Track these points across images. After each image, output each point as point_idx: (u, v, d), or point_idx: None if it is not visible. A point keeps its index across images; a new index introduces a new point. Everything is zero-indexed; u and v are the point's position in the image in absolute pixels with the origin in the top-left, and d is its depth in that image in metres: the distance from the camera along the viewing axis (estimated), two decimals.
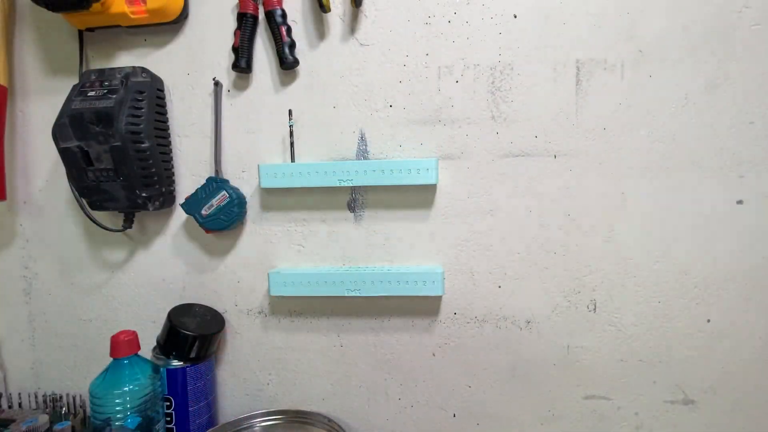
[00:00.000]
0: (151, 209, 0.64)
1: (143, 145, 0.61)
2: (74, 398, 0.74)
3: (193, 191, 0.65)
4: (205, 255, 0.71)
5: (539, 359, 0.67)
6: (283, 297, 0.69)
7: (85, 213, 0.66)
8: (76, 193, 0.65)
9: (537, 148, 0.63)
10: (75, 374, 0.75)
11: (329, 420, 0.66)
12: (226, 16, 0.66)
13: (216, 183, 0.65)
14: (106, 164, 0.61)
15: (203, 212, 0.64)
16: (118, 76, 0.62)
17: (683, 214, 0.62)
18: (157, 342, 0.66)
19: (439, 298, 0.67)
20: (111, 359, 0.59)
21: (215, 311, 0.71)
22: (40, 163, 0.72)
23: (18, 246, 0.74)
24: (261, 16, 0.64)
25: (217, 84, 0.66)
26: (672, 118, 0.61)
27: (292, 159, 0.65)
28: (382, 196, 0.66)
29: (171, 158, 0.68)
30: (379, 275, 0.63)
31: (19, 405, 0.75)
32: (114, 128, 0.59)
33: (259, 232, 0.69)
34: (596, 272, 0.64)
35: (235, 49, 0.64)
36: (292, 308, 0.70)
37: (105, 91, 0.60)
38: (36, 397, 0.75)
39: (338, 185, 0.63)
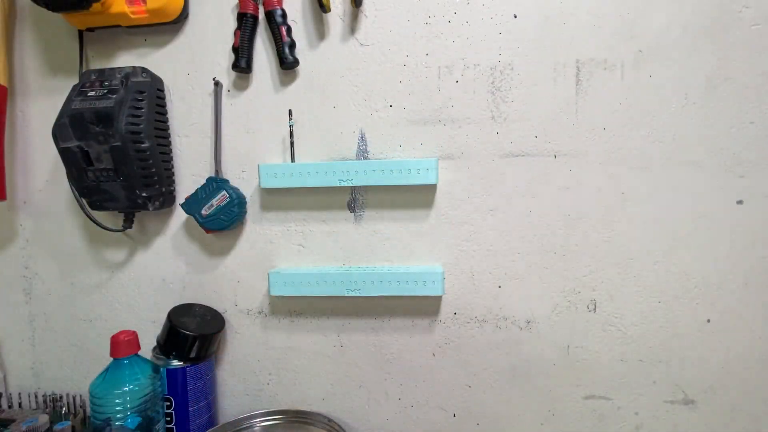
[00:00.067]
0: (151, 209, 0.64)
1: (143, 145, 0.61)
2: (74, 398, 0.74)
3: (193, 191, 0.65)
4: (205, 255, 0.71)
5: (539, 359, 0.67)
6: (283, 297, 0.69)
7: (85, 213, 0.66)
8: (76, 193, 0.65)
9: (537, 148, 0.63)
10: (75, 374, 0.75)
11: (329, 420, 0.66)
12: (226, 16, 0.66)
13: (216, 183, 0.65)
14: (106, 164, 0.61)
15: (203, 212, 0.64)
16: (118, 76, 0.62)
17: (683, 214, 0.62)
18: (157, 342, 0.66)
19: (439, 298, 0.67)
20: (111, 359, 0.59)
21: (215, 311, 0.71)
22: (40, 163, 0.72)
23: (18, 246, 0.74)
24: (261, 16, 0.64)
25: (217, 84, 0.66)
26: (672, 118, 0.61)
27: (292, 159, 0.65)
28: (382, 196, 0.66)
29: (171, 158, 0.68)
30: (379, 275, 0.63)
31: (19, 405, 0.75)
32: (114, 128, 0.59)
33: (259, 232, 0.69)
34: (596, 272, 0.64)
35: (235, 49, 0.64)
36: (292, 308, 0.70)
37: (105, 91, 0.60)
38: (36, 397, 0.75)
39: (338, 185, 0.63)
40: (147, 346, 0.66)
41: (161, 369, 0.63)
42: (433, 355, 0.68)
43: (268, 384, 0.72)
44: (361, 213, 0.67)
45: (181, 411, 0.64)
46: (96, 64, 0.69)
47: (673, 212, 0.62)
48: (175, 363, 0.64)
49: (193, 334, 0.63)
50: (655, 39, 0.60)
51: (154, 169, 0.63)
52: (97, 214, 0.67)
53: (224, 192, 0.64)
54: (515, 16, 0.62)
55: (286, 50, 0.63)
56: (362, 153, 0.66)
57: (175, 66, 0.68)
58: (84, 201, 0.65)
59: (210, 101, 0.68)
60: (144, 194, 0.63)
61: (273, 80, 0.66)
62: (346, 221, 0.67)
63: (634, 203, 0.62)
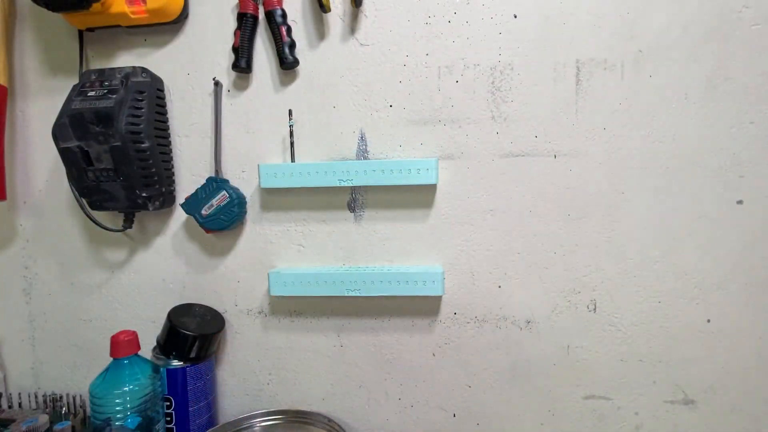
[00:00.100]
0: (151, 209, 0.64)
1: (143, 145, 0.61)
2: (74, 398, 0.74)
3: (193, 191, 0.65)
4: (205, 255, 0.71)
5: (539, 359, 0.67)
6: (283, 297, 0.69)
7: (85, 213, 0.66)
8: (76, 193, 0.65)
9: (537, 148, 0.63)
10: (75, 374, 0.76)
11: (329, 420, 0.66)
12: (226, 16, 0.66)
13: (216, 183, 0.65)
14: (106, 164, 0.61)
15: (203, 212, 0.64)
16: (118, 76, 0.62)
17: (683, 214, 0.62)
18: (157, 342, 0.66)
19: (439, 298, 0.67)
20: (111, 359, 0.59)
21: (215, 311, 0.71)
22: (40, 163, 0.72)
23: (18, 246, 0.74)
24: (261, 16, 0.64)
25: (217, 84, 0.66)
26: (672, 118, 0.61)
27: (292, 159, 0.65)
28: (382, 196, 0.66)
29: (171, 158, 0.68)
30: (379, 275, 0.63)
31: (19, 405, 0.75)
32: (114, 128, 0.59)
33: (259, 232, 0.69)
34: (596, 272, 0.64)
35: (235, 49, 0.64)
36: (292, 308, 0.70)
37: (105, 91, 0.60)
38: (36, 397, 0.75)
39: (338, 185, 0.63)
40: (147, 346, 0.66)
41: (161, 369, 0.63)
42: (433, 355, 0.68)
43: (268, 384, 0.72)
44: (361, 213, 0.67)
45: (181, 411, 0.64)
46: (96, 64, 0.69)
47: (673, 212, 0.62)
48: (175, 363, 0.64)
49: (193, 334, 0.63)
50: (655, 39, 0.60)
51: (154, 169, 0.63)
52: (97, 214, 0.67)
53: (224, 192, 0.64)
54: (515, 16, 0.61)
55: (286, 50, 0.63)
56: (362, 153, 0.66)
57: (175, 66, 0.68)
58: (84, 201, 0.65)
59: (210, 101, 0.68)
60: (144, 194, 0.63)
61: (273, 80, 0.66)
62: (346, 221, 0.67)
63: (634, 203, 0.62)
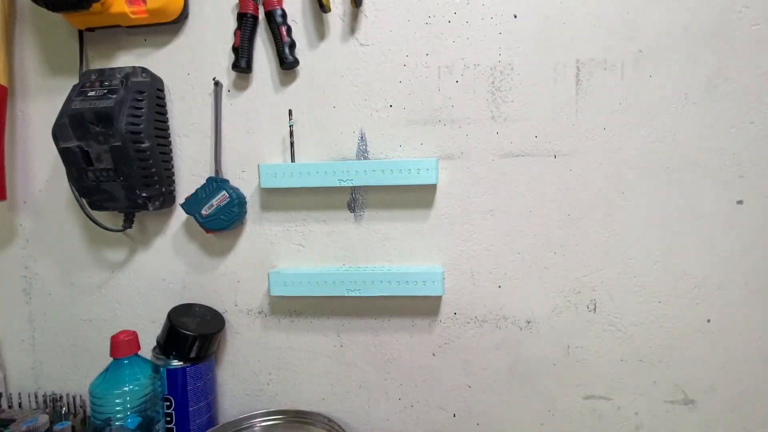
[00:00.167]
0: (151, 209, 0.64)
1: (143, 145, 0.61)
2: (74, 398, 0.74)
3: (193, 191, 0.65)
4: (205, 255, 0.71)
5: (539, 359, 0.67)
6: (283, 297, 0.69)
7: (85, 213, 0.66)
8: (76, 193, 0.65)
9: (537, 148, 0.63)
10: (75, 374, 0.75)
11: (329, 420, 0.66)
12: (226, 16, 0.66)
13: (216, 183, 0.65)
14: (106, 164, 0.61)
15: (203, 212, 0.64)
16: (118, 76, 0.62)
17: (683, 214, 0.62)
18: (157, 342, 0.66)
19: (439, 298, 0.67)
20: (111, 359, 0.59)
21: (215, 311, 0.71)
22: (40, 163, 0.72)
23: (18, 246, 0.74)
24: (261, 16, 0.64)
25: (217, 84, 0.66)
26: (672, 118, 0.61)
27: (292, 159, 0.65)
28: (382, 196, 0.66)
29: (171, 158, 0.68)
30: (379, 275, 0.63)
31: (19, 405, 0.75)
32: (114, 128, 0.59)
33: (259, 232, 0.69)
34: (596, 272, 0.64)
35: (235, 49, 0.64)
36: (292, 308, 0.70)
37: (105, 91, 0.60)
38: (36, 397, 0.75)
39: (338, 185, 0.63)
40: (147, 346, 0.66)
41: (161, 369, 0.63)
42: (433, 355, 0.68)
43: (268, 384, 0.72)
44: (361, 213, 0.67)
45: (181, 411, 0.64)
46: (96, 64, 0.69)
47: (673, 212, 0.62)
48: (175, 363, 0.64)
49: (193, 334, 0.63)
50: (655, 39, 0.60)
51: (154, 169, 0.63)
52: (97, 214, 0.67)
53: (224, 192, 0.64)
54: (515, 16, 0.62)
55: (286, 50, 0.63)
56: (362, 153, 0.66)
57: (175, 66, 0.68)
58: (84, 201, 0.65)
59: (210, 101, 0.68)
60: (144, 194, 0.63)
61: (273, 80, 0.66)
62: (346, 221, 0.67)
63: (634, 203, 0.62)
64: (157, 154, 0.63)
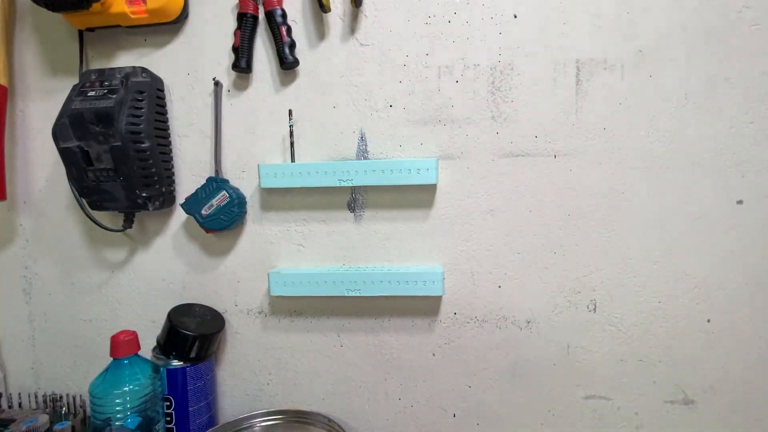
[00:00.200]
0: (151, 209, 0.64)
1: (143, 145, 0.61)
2: (74, 398, 0.74)
3: (193, 191, 0.65)
4: (205, 255, 0.71)
5: (539, 359, 0.67)
6: (283, 297, 0.69)
7: (85, 213, 0.66)
8: (76, 193, 0.65)
9: (537, 148, 0.63)
10: (75, 374, 0.75)
11: (329, 420, 0.66)
12: (226, 16, 0.66)
13: (216, 183, 0.65)
14: (106, 164, 0.61)
15: (203, 212, 0.64)
16: (118, 76, 0.62)
17: (683, 214, 0.62)
18: (157, 342, 0.66)
19: (439, 298, 0.67)
20: (111, 359, 0.59)
21: (215, 311, 0.71)
22: (40, 163, 0.72)
23: (18, 246, 0.74)
24: (261, 16, 0.64)
25: (217, 84, 0.66)
26: (672, 118, 0.61)
27: (292, 159, 0.65)
28: (382, 196, 0.66)
29: (171, 158, 0.68)
30: (379, 275, 0.63)
31: (19, 405, 0.75)
32: (114, 128, 0.59)
33: (259, 232, 0.69)
34: (596, 272, 0.64)
35: (235, 49, 0.64)
36: (292, 308, 0.70)
37: (105, 91, 0.60)
38: (36, 397, 0.75)
39: (338, 185, 0.63)
40: (147, 346, 0.66)
41: (161, 369, 0.63)
42: (433, 355, 0.68)
43: (268, 384, 0.72)
44: (361, 213, 0.67)
45: (181, 411, 0.64)
46: (96, 64, 0.69)
47: (673, 212, 0.62)
48: (175, 363, 0.64)
49: (193, 334, 0.63)
50: (655, 39, 0.60)
51: (154, 169, 0.63)
52: (97, 214, 0.67)
53: (224, 192, 0.64)
54: (515, 16, 0.62)
55: (286, 50, 0.63)
56: (362, 153, 0.66)
57: (175, 66, 0.68)
58: (84, 201, 0.65)
59: (210, 101, 0.68)
60: (144, 194, 0.63)
61: (273, 80, 0.66)
62: (346, 221, 0.67)
63: (634, 203, 0.62)
64: (157, 154, 0.63)
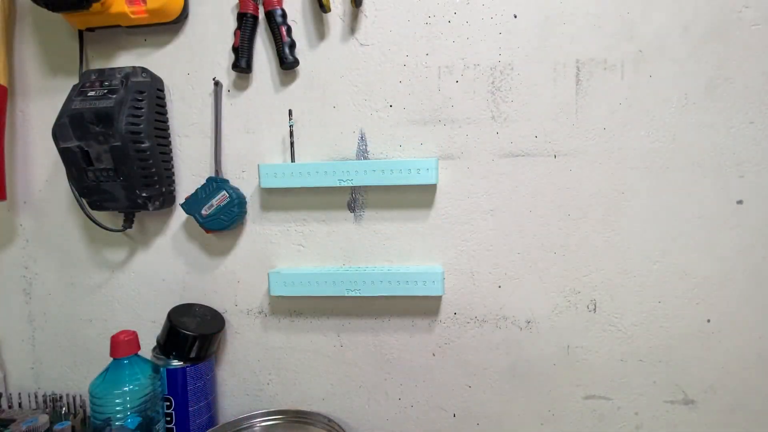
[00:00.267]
0: (151, 209, 0.64)
1: (143, 145, 0.61)
2: (74, 398, 0.74)
3: (193, 191, 0.65)
4: (205, 255, 0.71)
5: (539, 359, 0.67)
6: (283, 297, 0.69)
7: (85, 213, 0.66)
8: (76, 193, 0.65)
9: (537, 148, 0.63)
10: (75, 374, 0.75)
11: (329, 420, 0.66)
12: (226, 16, 0.66)
13: (216, 183, 0.65)
14: (106, 164, 0.61)
15: (203, 212, 0.64)
16: (118, 76, 0.62)
17: (683, 214, 0.62)
18: (157, 342, 0.66)
19: (439, 298, 0.67)
20: (111, 359, 0.59)
21: (215, 311, 0.71)
22: (40, 163, 0.72)
23: (18, 246, 0.74)
24: (261, 16, 0.64)
25: (217, 84, 0.66)
26: (672, 118, 0.61)
27: (292, 159, 0.65)
28: (382, 196, 0.66)
29: (171, 158, 0.68)
30: (379, 275, 0.63)
31: (19, 405, 0.75)
32: (114, 128, 0.59)
33: (259, 232, 0.69)
34: (596, 272, 0.64)
35: (235, 49, 0.64)
36: (292, 308, 0.70)
37: (105, 91, 0.60)
38: (36, 397, 0.75)
39: (338, 185, 0.63)
40: (147, 346, 0.66)
41: (161, 369, 0.63)
42: (433, 355, 0.68)
43: (268, 384, 0.72)
44: (361, 213, 0.67)
45: (181, 411, 0.64)
46: (96, 64, 0.69)
47: (673, 212, 0.62)
48: (175, 363, 0.64)
49: (193, 334, 0.63)
50: (655, 39, 0.60)
51: (154, 169, 0.63)
52: (97, 214, 0.67)
53: (224, 192, 0.64)
54: (515, 16, 0.62)
55: (286, 50, 0.63)
56: (362, 153, 0.66)
57: (175, 66, 0.68)
58: (84, 201, 0.65)
59: (210, 101, 0.68)
60: (144, 194, 0.63)
61: (273, 80, 0.66)
62: (346, 221, 0.67)
63: (634, 203, 0.62)
64: (157, 154, 0.63)
